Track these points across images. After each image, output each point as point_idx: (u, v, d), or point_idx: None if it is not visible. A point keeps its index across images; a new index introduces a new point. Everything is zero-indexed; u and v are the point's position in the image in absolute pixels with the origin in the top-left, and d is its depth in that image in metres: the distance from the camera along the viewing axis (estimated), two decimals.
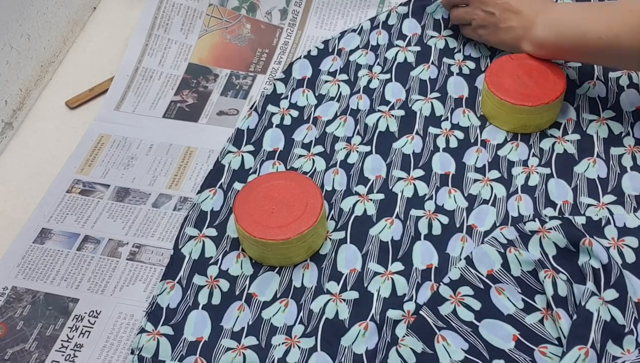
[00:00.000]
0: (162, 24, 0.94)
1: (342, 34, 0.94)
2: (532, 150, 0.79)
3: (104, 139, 0.85)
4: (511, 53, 0.83)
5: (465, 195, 0.76)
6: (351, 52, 0.92)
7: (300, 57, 0.92)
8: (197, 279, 0.71)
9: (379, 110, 0.85)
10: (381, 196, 0.76)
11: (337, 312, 0.67)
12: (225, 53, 0.94)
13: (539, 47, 0.79)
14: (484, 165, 0.78)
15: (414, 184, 0.77)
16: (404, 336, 0.64)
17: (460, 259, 0.70)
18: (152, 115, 0.88)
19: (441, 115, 0.84)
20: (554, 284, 0.65)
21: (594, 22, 0.73)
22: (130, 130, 0.86)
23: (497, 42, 0.85)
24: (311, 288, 0.69)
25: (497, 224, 0.73)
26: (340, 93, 0.87)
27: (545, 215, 0.72)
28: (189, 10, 0.96)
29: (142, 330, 0.67)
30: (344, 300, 0.68)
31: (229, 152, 0.82)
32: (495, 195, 0.75)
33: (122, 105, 0.89)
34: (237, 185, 0.78)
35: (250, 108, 0.87)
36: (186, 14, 0.95)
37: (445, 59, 0.90)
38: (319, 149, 0.81)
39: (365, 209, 0.75)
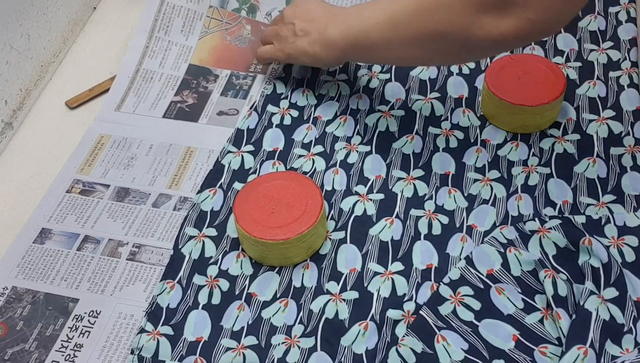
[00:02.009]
0: (162, 26, 0.94)
1: None
2: (532, 150, 0.79)
3: (104, 139, 0.85)
4: (312, 61, 0.82)
5: (465, 195, 0.76)
6: None
7: None
8: (197, 279, 0.71)
9: (378, 110, 0.85)
10: (381, 196, 0.76)
11: (337, 311, 0.67)
12: (225, 54, 0.94)
13: (330, 46, 0.78)
14: (484, 165, 0.78)
15: (414, 184, 0.77)
16: (403, 336, 0.64)
17: (460, 259, 0.70)
18: (152, 115, 0.88)
19: (441, 115, 0.84)
20: (554, 284, 0.65)
21: (373, 11, 0.72)
22: (131, 130, 0.86)
23: (297, 52, 0.83)
24: (311, 288, 0.69)
25: (497, 224, 0.73)
26: (340, 93, 0.87)
27: (545, 215, 0.73)
28: (189, 12, 0.96)
29: (142, 330, 0.67)
30: (344, 300, 0.68)
31: (229, 152, 0.82)
32: (495, 195, 0.75)
33: (123, 106, 0.89)
34: (237, 185, 0.78)
35: (250, 108, 0.87)
36: (186, 16, 0.95)
37: None
38: (319, 148, 0.81)
39: (365, 209, 0.75)
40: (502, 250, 0.69)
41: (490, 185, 0.76)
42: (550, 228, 0.69)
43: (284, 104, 0.87)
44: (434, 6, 0.64)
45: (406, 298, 0.68)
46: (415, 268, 0.70)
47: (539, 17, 0.58)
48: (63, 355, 0.66)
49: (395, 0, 0.69)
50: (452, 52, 0.68)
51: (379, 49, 0.73)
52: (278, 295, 0.69)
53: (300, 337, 0.66)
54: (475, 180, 0.77)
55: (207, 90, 0.90)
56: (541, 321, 0.65)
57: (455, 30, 0.62)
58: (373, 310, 0.67)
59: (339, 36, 0.76)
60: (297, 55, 0.83)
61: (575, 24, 0.93)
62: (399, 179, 0.78)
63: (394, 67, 0.90)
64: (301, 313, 0.68)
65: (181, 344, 0.66)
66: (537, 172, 0.77)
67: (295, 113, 0.86)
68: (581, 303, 0.62)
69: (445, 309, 0.66)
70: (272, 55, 0.86)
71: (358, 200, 0.76)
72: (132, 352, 0.66)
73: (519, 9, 0.57)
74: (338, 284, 0.69)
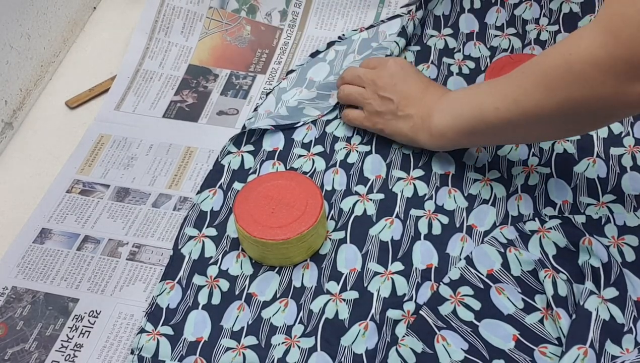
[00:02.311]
0: (162, 27, 0.94)
1: (342, 37, 0.94)
2: (532, 149, 0.79)
3: (104, 139, 0.85)
4: (409, 142, 0.77)
5: (465, 195, 0.76)
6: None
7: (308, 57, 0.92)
8: (197, 279, 0.71)
9: None
10: (381, 196, 0.76)
11: (337, 311, 0.67)
12: (225, 54, 0.94)
13: (437, 136, 0.73)
14: (484, 165, 0.78)
15: (414, 184, 0.77)
16: (403, 336, 0.64)
17: (460, 259, 0.70)
18: (152, 115, 0.88)
19: None
20: (554, 284, 0.65)
21: (488, 94, 0.67)
22: (130, 130, 0.86)
23: (393, 132, 0.78)
24: (311, 288, 0.69)
25: (497, 224, 0.73)
26: None
27: (545, 215, 0.73)
28: (189, 13, 0.95)
29: (142, 330, 0.67)
30: (344, 300, 0.68)
31: (229, 152, 0.82)
32: (495, 195, 0.75)
33: (122, 106, 0.89)
34: (237, 185, 0.78)
35: (255, 109, 0.87)
36: (186, 17, 0.95)
37: (445, 59, 0.90)
38: (319, 148, 0.81)
39: (365, 209, 0.75)
40: (502, 250, 0.69)
41: (490, 185, 0.76)
42: (550, 228, 0.69)
43: None
44: (569, 82, 0.59)
45: (406, 298, 0.68)
46: (415, 268, 0.70)
47: None
48: (63, 355, 0.66)
49: (513, 80, 0.65)
50: (591, 122, 0.64)
51: (499, 133, 0.69)
52: (278, 295, 0.69)
53: (300, 337, 0.66)
54: (475, 180, 0.77)
55: (207, 89, 0.90)
56: (541, 321, 0.65)
57: (600, 102, 0.58)
58: (373, 310, 0.67)
59: (448, 126, 0.72)
60: (392, 134, 0.78)
61: (575, 23, 0.93)
62: (399, 178, 0.78)
63: None
64: (301, 313, 0.68)
65: (181, 344, 0.66)
66: (537, 172, 0.77)
67: None
68: (581, 303, 0.62)
69: (445, 309, 0.66)
70: (362, 123, 0.80)
71: (358, 200, 0.76)
72: (132, 352, 0.66)
73: None
74: (338, 284, 0.69)
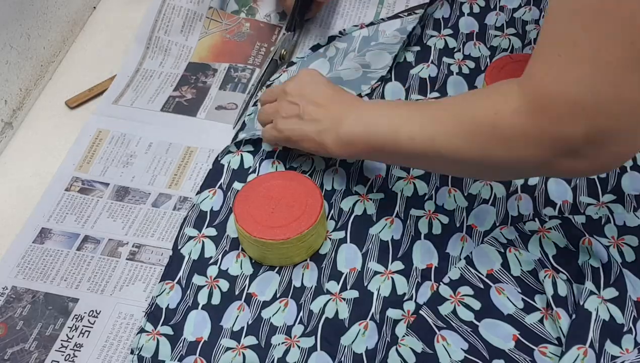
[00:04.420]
0: (162, 26, 0.94)
1: (343, 32, 0.94)
2: None
3: (102, 134, 0.85)
4: (316, 149, 0.72)
5: (465, 194, 0.76)
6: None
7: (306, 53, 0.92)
8: (197, 279, 0.71)
9: None
10: (381, 195, 0.76)
11: (337, 311, 0.67)
12: (224, 49, 0.94)
13: (346, 142, 0.69)
14: None
15: (414, 183, 0.77)
16: (403, 336, 0.64)
17: (460, 259, 0.70)
18: (150, 109, 0.87)
19: None
20: (554, 284, 0.65)
21: (407, 120, 0.64)
22: (128, 125, 0.86)
23: (299, 137, 0.73)
24: (311, 288, 0.69)
25: (497, 224, 0.73)
26: None
27: (545, 215, 0.73)
28: (189, 13, 0.95)
29: (142, 330, 0.67)
30: (344, 299, 0.68)
31: (229, 151, 0.82)
32: (495, 195, 0.75)
33: (121, 100, 0.88)
34: (237, 185, 0.78)
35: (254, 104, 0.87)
36: (186, 17, 0.95)
37: (445, 59, 0.90)
38: None
39: (365, 209, 0.75)
40: (502, 250, 0.69)
41: (490, 185, 0.76)
42: (550, 229, 0.69)
43: None
44: (491, 139, 0.57)
45: (406, 297, 0.68)
46: (415, 267, 0.70)
47: (610, 162, 0.55)
48: (63, 355, 0.66)
49: (435, 114, 0.62)
50: (513, 176, 0.64)
51: (411, 161, 0.68)
52: (278, 295, 0.69)
53: (300, 336, 0.66)
54: (476, 180, 0.77)
55: (206, 84, 0.90)
56: (541, 321, 0.65)
57: (521, 165, 0.57)
58: (373, 310, 0.67)
59: (359, 136, 0.68)
60: (298, 140, 0.73)
61: None
62: (399, 178, 0.78)
63: (393, 66, 0.89)
64: (301, 313, 0.68)
65: (181, 344, 0.66)
66: None
67: None
68: (581, 303, 0.62)
69: (445, 309, 0.66)
70: (271, 135, 0.77)
71: (358, 200, 0.76)
72: (132, 352, 0.66)
73: (591, 156, 0.53)
74: (338, 284, 0.69)
